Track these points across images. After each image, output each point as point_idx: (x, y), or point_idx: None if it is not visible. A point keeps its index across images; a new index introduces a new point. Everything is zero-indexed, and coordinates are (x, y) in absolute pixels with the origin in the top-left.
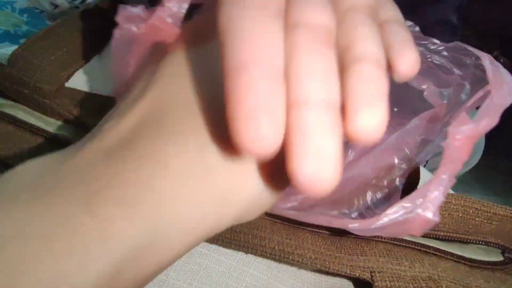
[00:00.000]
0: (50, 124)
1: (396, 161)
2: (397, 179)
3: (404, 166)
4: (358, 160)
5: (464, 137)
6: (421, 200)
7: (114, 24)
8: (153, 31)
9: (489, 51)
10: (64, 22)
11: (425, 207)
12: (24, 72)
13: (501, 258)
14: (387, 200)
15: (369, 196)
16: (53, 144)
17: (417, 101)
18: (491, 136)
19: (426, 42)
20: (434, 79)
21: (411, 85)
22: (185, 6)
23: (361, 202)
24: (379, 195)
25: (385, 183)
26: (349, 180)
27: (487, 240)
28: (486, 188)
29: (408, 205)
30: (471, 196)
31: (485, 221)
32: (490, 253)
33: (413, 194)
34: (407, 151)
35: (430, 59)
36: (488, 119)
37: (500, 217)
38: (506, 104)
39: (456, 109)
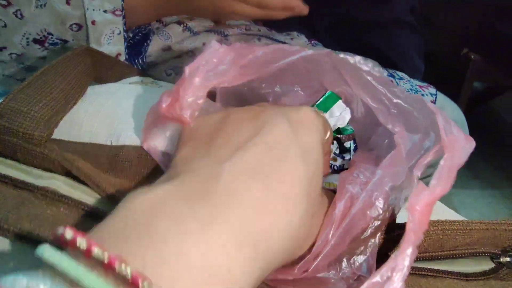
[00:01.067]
0: (39, 177)
1: (370, 219)
2: (377, 236)
3: (378, 222)
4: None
5: (423, 205)
6: (389, 274)
7: (94, 68)
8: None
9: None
10: (48, 69)
11: (392, 282)
12: (13, 121)
13: (492, 265)
14: (367, 257)
15: (350, 260)
16: (42, 196)
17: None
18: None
19: (395, 89)
20: (405, 123)
21: (386, 126)
22: (201, 98)
23: (344, 266)
24: (359, 258)
25: (363, 244)
26: (327, 255)
27: (474, 250)
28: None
29: (379, 280)
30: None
31: (466, 237)
32: (481, 262)
33: (383, 269)
34: (379, 206)
35: (400, 102)
36: (443, 185)
37: (477, 230)
38: (460, 164)
39: (419, 155)
